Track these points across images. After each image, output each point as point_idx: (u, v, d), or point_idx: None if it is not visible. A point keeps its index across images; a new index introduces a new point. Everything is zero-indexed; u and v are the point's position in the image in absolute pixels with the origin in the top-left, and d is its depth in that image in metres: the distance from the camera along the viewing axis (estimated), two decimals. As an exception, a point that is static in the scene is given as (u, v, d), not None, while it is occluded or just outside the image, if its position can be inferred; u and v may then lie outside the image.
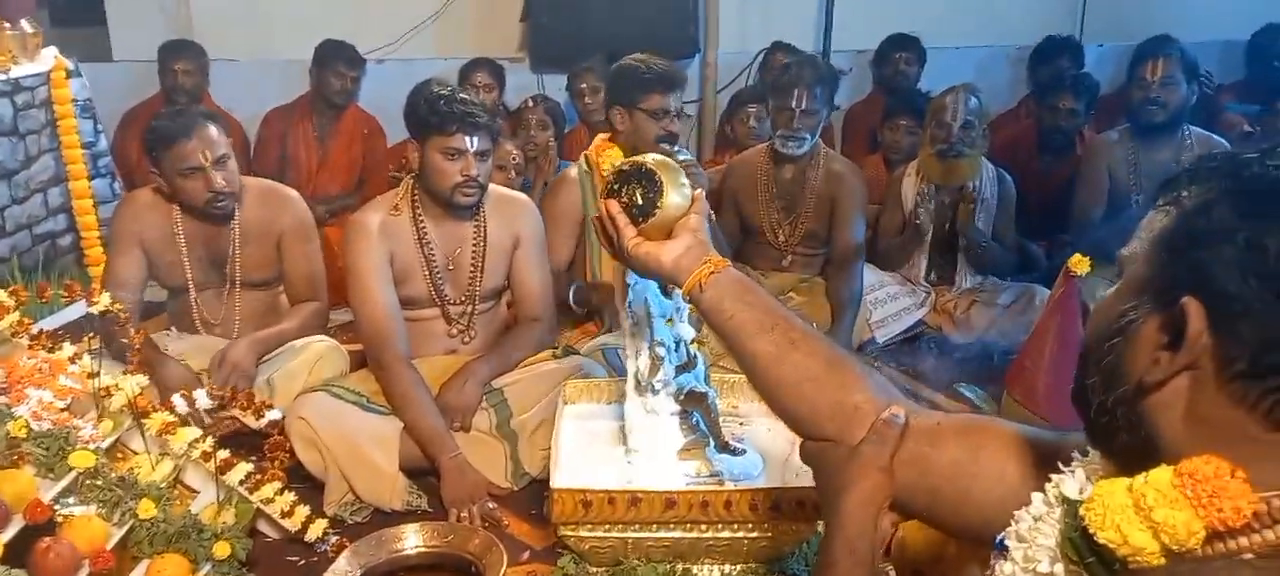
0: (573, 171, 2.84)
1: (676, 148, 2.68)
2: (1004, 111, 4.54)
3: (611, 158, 2.69)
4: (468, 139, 2.30)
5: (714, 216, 2.82)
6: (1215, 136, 3.33)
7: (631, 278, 1.59)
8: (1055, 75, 4.12)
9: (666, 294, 1.62)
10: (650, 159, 1.25)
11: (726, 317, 1.11)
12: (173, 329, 2.70)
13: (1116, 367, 0.76)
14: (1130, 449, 0.76)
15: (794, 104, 3.05)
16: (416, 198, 2.43)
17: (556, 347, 2.55)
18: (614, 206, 1.23)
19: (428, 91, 2.37)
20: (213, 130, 2.47)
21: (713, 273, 1.13)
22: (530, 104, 3.91)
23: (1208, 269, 0.69)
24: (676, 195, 1.21)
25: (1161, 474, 0.70)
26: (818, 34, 4.71)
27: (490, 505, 2.15)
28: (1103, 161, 3.34)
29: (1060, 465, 0.83)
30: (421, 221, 2.42)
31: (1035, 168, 3.81)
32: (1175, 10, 4.68)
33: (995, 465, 0.95)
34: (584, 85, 4.12)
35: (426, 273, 2.44)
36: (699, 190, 1.26)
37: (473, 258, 2.47)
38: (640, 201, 1.21)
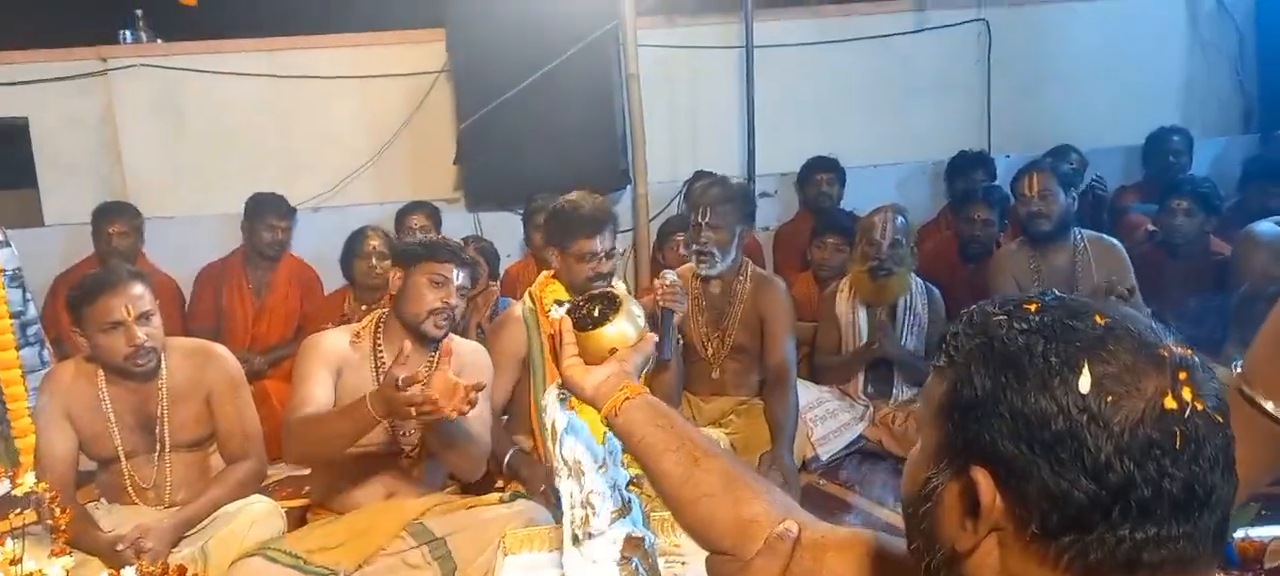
0: (517, 309, 2.86)
1: (612, 280, 2.74)
2: (925, 223, 4.74)
3: (555, 292, 2.74)
4: (456, 271, 2.46)
5: (679, 342, 2.86)
6: (1106, 238, 3.52)
7: (562, 424, 1.62)
8: (969, 188, 4.33)
9: (600, 439, 1.64)
10: (622, 292, 1.39)
11: (637, 440, 1.20)
12: (102, 500, 2.63)
13: (932, 533, 0.78)
14: None
15: (700, 219, 3.14)
16: (380, 329, 2.47)
17: (504, 492, 2.53)
18: (566, 320, 1.35)
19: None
20: (138, 287, 2.48)
21: (627, 399, 1.22)
22: (463, 245, 3.97)
23: (986, 438, 0.72)
24: (624, 325, 1.32)
25: None
26: (742, 160, 4.90)
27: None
28: (1007, 270, 3.51)
29: None
30: (380, 351, 2.45)
31: (959, 276, 3.97)
32: (1073, 121, 4.99)
33: None
34: (541, 220, 4.21)
35: None
36: (649, 336, 1.35)
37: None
38: (594, 314, 1.33)
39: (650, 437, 1.18)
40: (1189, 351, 0.72)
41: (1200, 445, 0.68)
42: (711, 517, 1.11)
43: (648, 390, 1.25)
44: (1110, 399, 0.68)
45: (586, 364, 1.32)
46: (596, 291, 1.40)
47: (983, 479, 0.72)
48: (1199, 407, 0.69)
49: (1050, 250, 3.42)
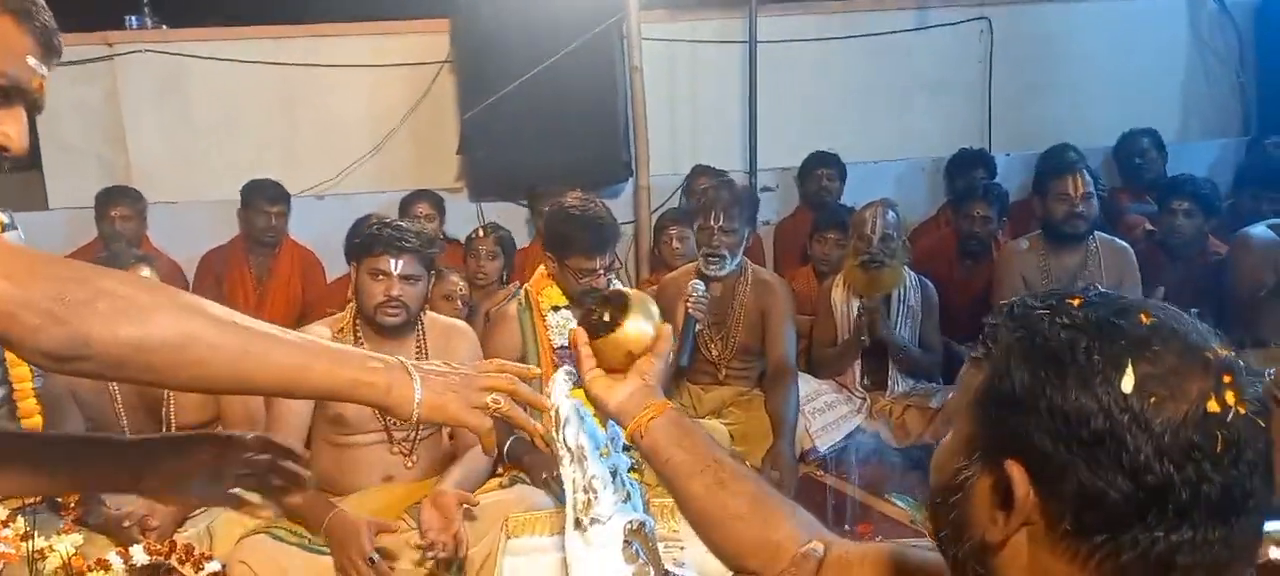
0: (511, 307, 2.88)
1: (609, 279, 2.76)
2: (924, 221, 4.76)
3: (551, 298, 2.76)
4: (392, 261, 2.40)
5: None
6: (1118, 240, 3.53)
7: (566, 410, 1.65)
8: (969, 186, 4.35)
9: (602, 424, 1.67)
10: (628, 289, 1.35)
11: (663, 461, 1.19)
12: (108, 480, 2.65)
13: (961, 523, 0.78)
14: None
15: (712, 222, 3.16)
16: (357, 323, 2.49)
17: (503, 477, 2.56)
18: (581, 335, 1.29)
19: (364, 219, 2.47)
20: (145, 270, 2.50)
21: (652, 418, 1.20)
22: (480, 233, 3.99)
23: (1023, 433, 0.71)
24: (641, 323, 1.27)
25: None
26: (743, 154, 4.93)
27: (373, 556, 2.15)
28: (1015, 268, 3.52)
29: None
30: (361, 345, 2.47)
31: (957, 273, 4.00)
32: (1073, 120, 5.02)
33: None
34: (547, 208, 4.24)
35: None
36: (666, 330, 1.30)
37: None
38: (606, 319, 1.27)
39: (676, 459, 1.18)
40: (1232, 353, 0.70)
41: (1241, 449, 0.67)
42: (739, 538, 1.12)
43: (673, 405, 1.24)
44: (1153, 400, 0.67)
45: (607, 371, 1.28)
46: (603, 292, 1.37)
47: (1017, 473, 0.71)
48: (1242, 411, 0.68)
49: (1063, 251, 3.42)
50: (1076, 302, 0.74)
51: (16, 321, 0.82)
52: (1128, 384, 0.68)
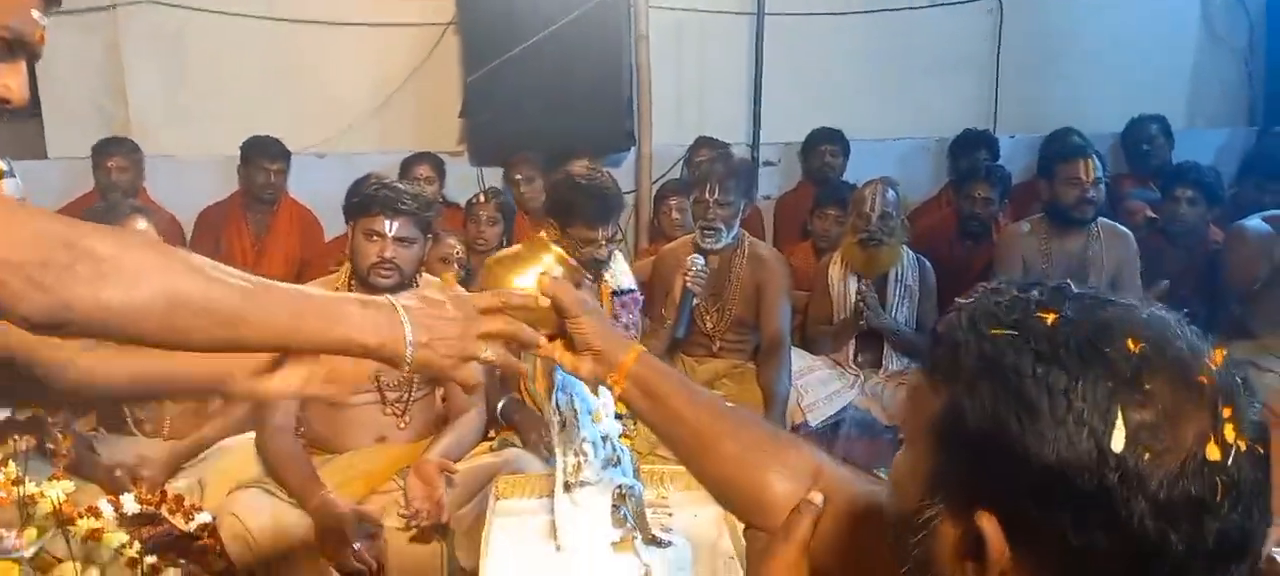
0: (510, 272, 2.88)
1: (609, 249, 2.76)
2: (925, 200, 4.75)
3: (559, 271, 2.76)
4: (387, 222, 2.38)
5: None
6: (1119, 226, 3.52)
7: (557, 377, 1.65)
8: (972, 166, 4.34)
9: (594, 391, 1.67)
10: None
11: (650, 409, 1.13)
12: (101, 430, 2.66)
13: (925, 563, 0.71)
14: None
15: (708, 195, 3.16)
16: (352, 283, 2.49)
17: (494, 440, 2.57)
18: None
19: (363, 178, 2.46)
20: (141, 222, 2.49)
21: (624, 376, 1.13)
22: (481, 198, 3.98)
23: (994, 481, 0.64)
24: (520, 279, 1.26)
25: None
26: (747, 127, 4.90)
27: (358, 546, 2.17)
28: (1016, 250, 3.51)
29: None
30: None
31: (956, 254, 3.99)
32: (1079, 104, 4.98)
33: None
34: (520, 175, 4.23)
35: None
36: (553, 258, 1.31)
37: None
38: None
39: (652, 409, 1.13)
40: (1223, 362, 0.64)
41: (1241, 491, 0.61)
42: (739, 491, 1.08)
43: (642, 352, 1.15)
44: (1147, 456, 0.59)
45: (555, 338, 1.18)
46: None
47: (990, 527, 0.64)
48: (1242, 447, 0.61)
49: (1065, 235, 3.42)
50: (1049, 319, 0.64)
51: None
52: (1118, 441, 0.60)
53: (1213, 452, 0.60)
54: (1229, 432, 0.61)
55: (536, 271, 1.27)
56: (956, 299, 0.72)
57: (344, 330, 0.97)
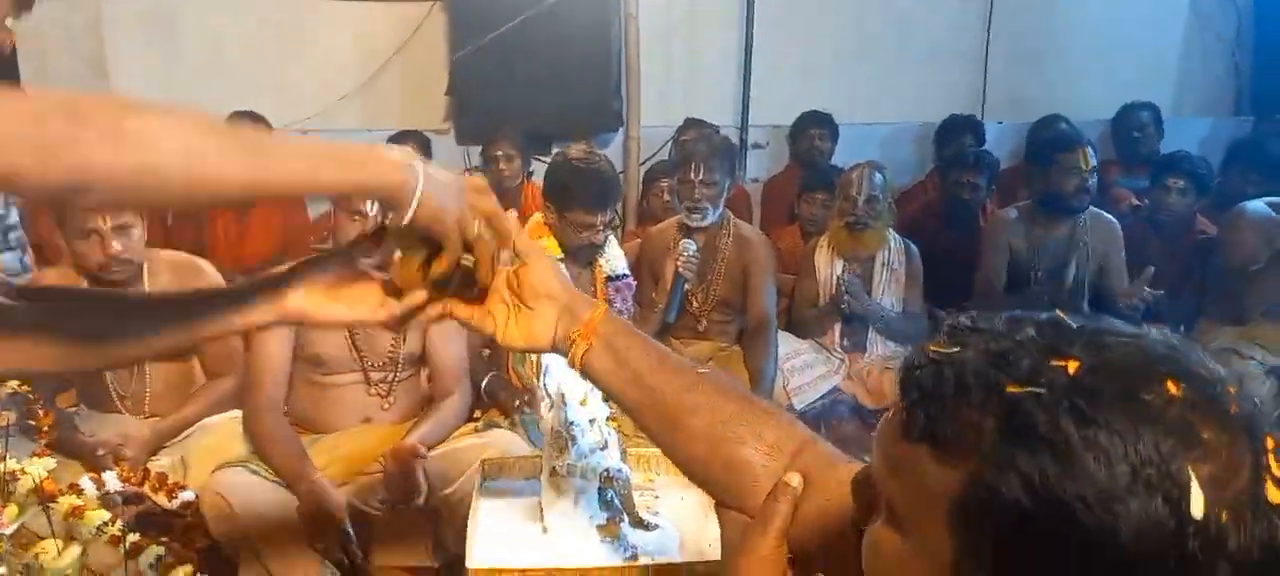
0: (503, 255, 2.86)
1: (607, 235, 2.76)
2: (912, 185, 4.75)
3: (546, 247, 2.75)
4: (369, 203, 2.35)
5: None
6: (1106, 215, 3.53)
7: (547, 358, 1.64)
8: (959, 152, 4.34)
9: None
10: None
11: (612, 384, 1.01)
12: (82, 406, 2.64)
13: None
14: None
15: (693, 176, 3.16)
16: None
17: (479, 421, 2.57)
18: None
19: None
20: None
21: (587, 350, 1.01)
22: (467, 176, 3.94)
23: (1052, 569, 0.55)
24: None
25: None
26: (736, 109, 4.89)
27: (348, 532, 2.18)
28: (1004, 236, 3.53)
29: None
30: None
31: (942, 239, 3.99)
32: (1067, 92, 5.00)
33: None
34: (499, 153, 4.20)
35: (346, 332, 2.45)
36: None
37: None
38: (465, 263, 1.01)
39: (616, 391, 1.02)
40: (1238, 387, 0.57)
41: None
42: (709, 472, 0.99)
43: (605, 316, 1.03)
44: (1224, 514, 0.53)
45: (489, 298, 1.05)
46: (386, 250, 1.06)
47: None
48: None
49: (1053, 222, 3.43)
50: (1071, 367, 0.56)
51: (6, 162, 0.75)
52: (1197, 505, 0.52)
53: (1274, 494, 0.54)
54: (1276, 466, 0.55)
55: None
56: (921, 348, 0.63)
57: (356, 176, 0.93)
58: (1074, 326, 0.59)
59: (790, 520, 0.88)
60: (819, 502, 0.89)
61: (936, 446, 0.59)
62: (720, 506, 1.00)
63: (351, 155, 0.93)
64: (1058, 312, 0.61)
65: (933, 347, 0.62)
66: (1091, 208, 3.49)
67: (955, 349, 0.60)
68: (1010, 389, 0.56)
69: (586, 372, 1.02)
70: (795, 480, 0.89)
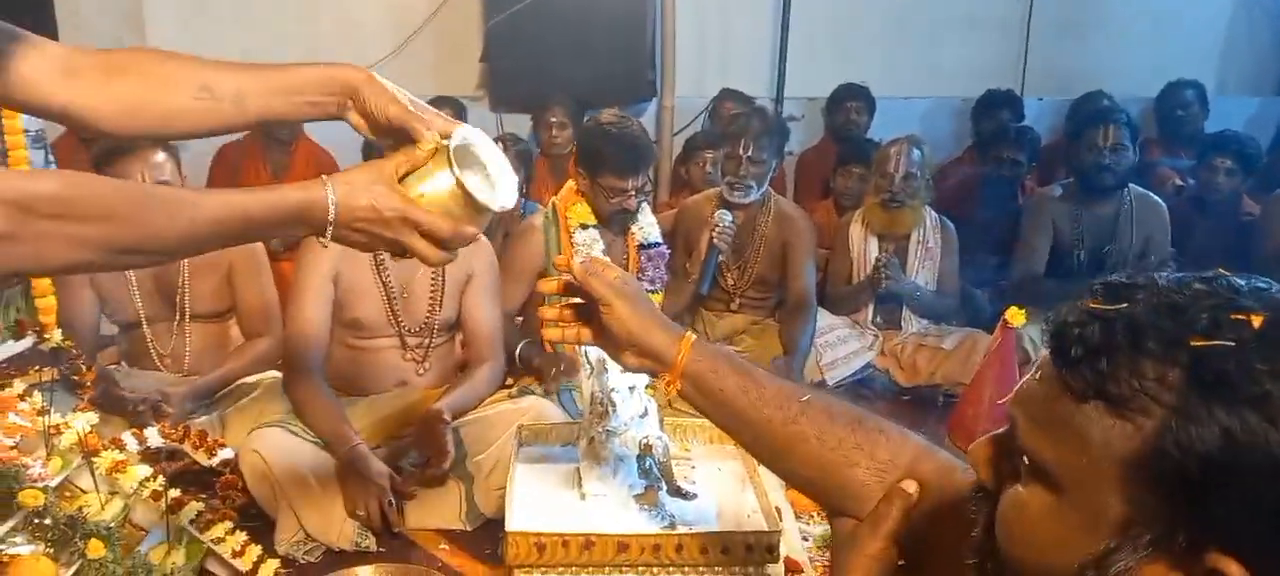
0: (537, 219, 2.86)
1: (638, 200, 2.74)
2: (949, 160, 4.69)
3: (578, 214, 2.73)
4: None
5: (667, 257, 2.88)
6: (1152, 195, 3.47)
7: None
8: (997, 128, 4.28)
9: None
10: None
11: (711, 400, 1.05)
12: (123, 364, 2.67)
13: None
14: None
15: (741, 151, 3.12)
16: None
17: (512, 388, 2.57)
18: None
19: None
20: (159, 155, 2.47)
21: (677, 387, 1.05)
22: (500, 145, 3.92)
23: (1234, 525, 0.56)
24: (426, 185, 1.09)
25: None
26: (771, 81, 4.83)
27: (390, 501, 2.18)
28: (1046, 215, 3.47)
29: None
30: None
31: (979, 216, 3.94)
32: (1106, 68, 4.90)
33: None
34: (553, 119, 4.19)
35: (382, 295, 2.45)
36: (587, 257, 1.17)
37: (430, 287, 2.50)
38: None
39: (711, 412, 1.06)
40: None
41: None
42: (818, 483, 1.01)
43: (694, 340, 1.06)
44: None
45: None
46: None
47: (1235, 570, 0.56)
48: None
49: (1096, 201, 3.38)
50: (1256, 321, 0.56)
51: None
52: None
53: None
54: None
55: (437, 179, 1.09)
56: (1075, 305, 0.62)
57: (277, 196, 1.02)
58: (1242, 281, 0.59)
59: (902, 524, 0.91)
60: (934, 506, 0.91)
61: (1109, 402, 0.58)
62: (835, 516, 1.02)
63: (266, 193, 1.03)
64: (1220, 269, 0.60)
65: (1091, 304, 0.60)
66: (1137, 188, 3.43)
67: (1121, 304, 0.59)
68: (1194, 342, 0.55)
69: (685, 388, 1.06)
70: (911, 487, 0.92)
